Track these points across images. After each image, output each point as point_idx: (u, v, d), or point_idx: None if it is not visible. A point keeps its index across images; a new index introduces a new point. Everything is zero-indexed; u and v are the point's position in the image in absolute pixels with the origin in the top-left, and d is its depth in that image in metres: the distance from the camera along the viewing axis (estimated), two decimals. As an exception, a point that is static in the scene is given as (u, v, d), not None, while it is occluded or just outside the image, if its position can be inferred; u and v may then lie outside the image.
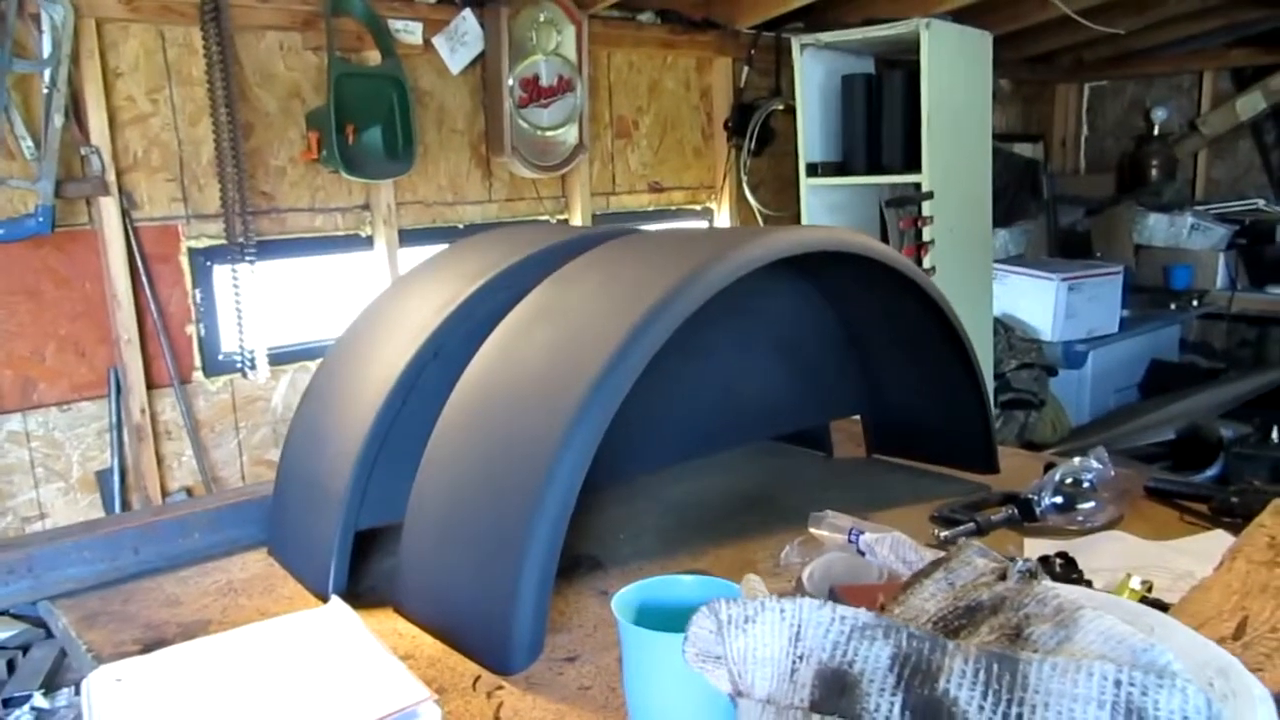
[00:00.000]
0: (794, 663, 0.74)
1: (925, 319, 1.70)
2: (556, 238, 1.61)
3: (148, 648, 1.31)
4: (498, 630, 1.17)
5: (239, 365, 3.17)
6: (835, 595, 1.26)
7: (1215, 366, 5.27)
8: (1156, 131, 5.95)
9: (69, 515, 2.96)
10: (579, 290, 1.39)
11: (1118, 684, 0.64)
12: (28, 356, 2.84)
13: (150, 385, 3.02)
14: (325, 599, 1.40)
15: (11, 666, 2.52)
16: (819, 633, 0.73)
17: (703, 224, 4.52)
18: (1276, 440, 3.40)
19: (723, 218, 4.53)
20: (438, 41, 3.46)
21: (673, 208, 4.39)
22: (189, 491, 3.15)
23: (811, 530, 1.42)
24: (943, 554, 1.42)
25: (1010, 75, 5.77)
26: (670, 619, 0.95)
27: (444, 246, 3.41)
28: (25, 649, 2.58)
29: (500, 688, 1.15)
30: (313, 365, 3.37)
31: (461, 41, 3.51)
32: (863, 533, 1.34)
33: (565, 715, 1.09)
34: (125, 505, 3.04)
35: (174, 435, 3.11)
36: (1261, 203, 5.59)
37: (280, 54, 3.20)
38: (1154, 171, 5.89)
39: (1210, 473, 3.53)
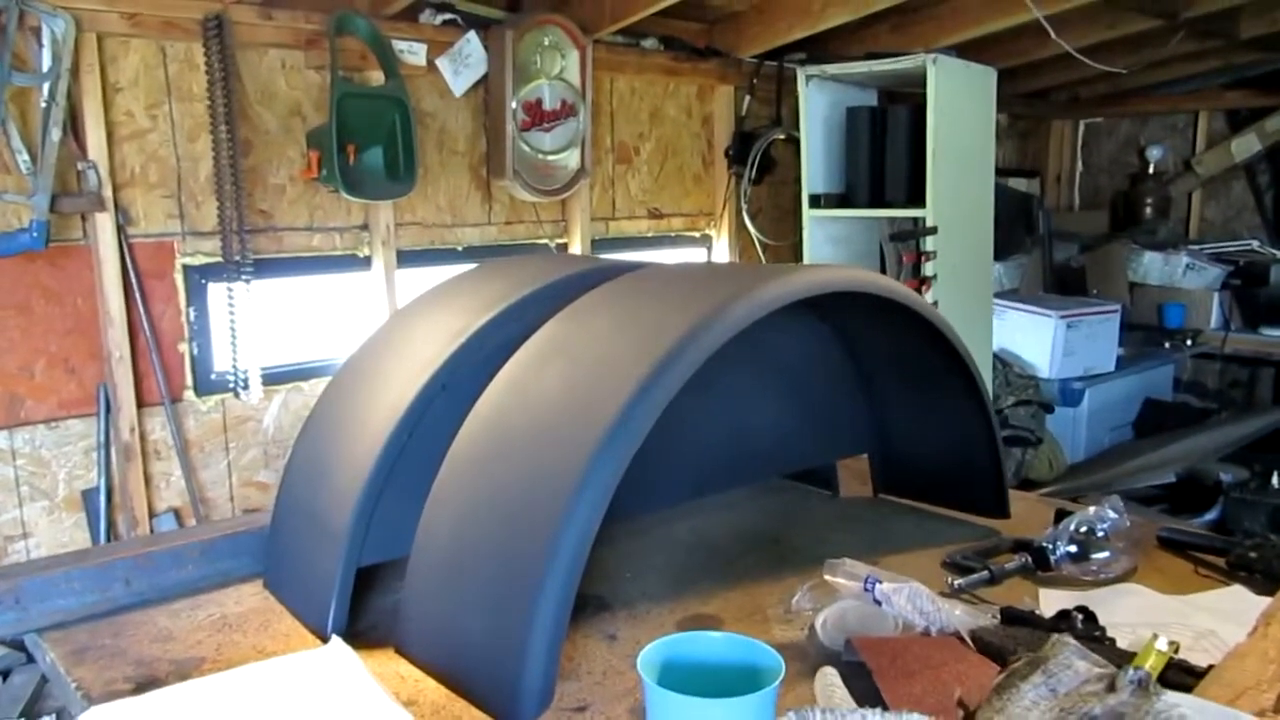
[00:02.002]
0: None
1: (939, 361, 1.68)
2: (567, 270, 1.58)
3: (140, 687, 1.26)
4: (507, 677, 1.14)
5: (231, 385, 3.12)
6: (853, 647, 1.23)
7: (1208, 407, 5.27)
8: (1151, 170, 5.97)
9: (53, 535, 2.89)
10: (594, 327, 1.36)
11: None
12: (16, 373, 2.78)
13: (140, 403, 2.96)
14: (324, 637, 1.36)
15: (-10, 692, 2.45)
16: None
17: (701, 251, 4.51)
18: (1277, 486, 3.38)
19: (721, 245, 4.52)
20: (441, 63, 3.44)
21: (672, 234, 4.38)
22: (177, 512, 3.09)
23: (826, 577, 1.39)
24: (952, 597, 1.39)
25: (1006, 110, 5.78)
26: (696, 678, 0.92)
27: (441, 268, 3.41)
28: (5, 674, 2.51)
29: (508, 739, 1.11)
30: (306, 386, 3.33)
31: (465, 63, 3.49)
32: (879, 581, 1.31)
33: (576, 770, 1.06)
34: (111, 525, 2.98)
35: (163, 455, 3.05)
36: (1256, 244, 5.61)
37: (282, 72, 3.18)
38: (1148, 210, 5.90)
39: (1208, 517, 3.50)
